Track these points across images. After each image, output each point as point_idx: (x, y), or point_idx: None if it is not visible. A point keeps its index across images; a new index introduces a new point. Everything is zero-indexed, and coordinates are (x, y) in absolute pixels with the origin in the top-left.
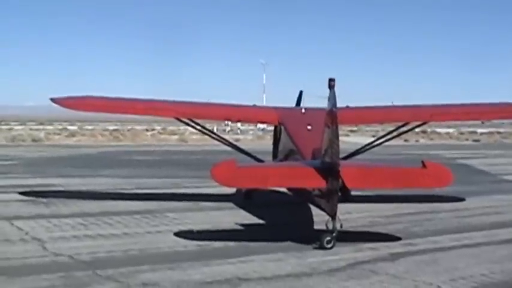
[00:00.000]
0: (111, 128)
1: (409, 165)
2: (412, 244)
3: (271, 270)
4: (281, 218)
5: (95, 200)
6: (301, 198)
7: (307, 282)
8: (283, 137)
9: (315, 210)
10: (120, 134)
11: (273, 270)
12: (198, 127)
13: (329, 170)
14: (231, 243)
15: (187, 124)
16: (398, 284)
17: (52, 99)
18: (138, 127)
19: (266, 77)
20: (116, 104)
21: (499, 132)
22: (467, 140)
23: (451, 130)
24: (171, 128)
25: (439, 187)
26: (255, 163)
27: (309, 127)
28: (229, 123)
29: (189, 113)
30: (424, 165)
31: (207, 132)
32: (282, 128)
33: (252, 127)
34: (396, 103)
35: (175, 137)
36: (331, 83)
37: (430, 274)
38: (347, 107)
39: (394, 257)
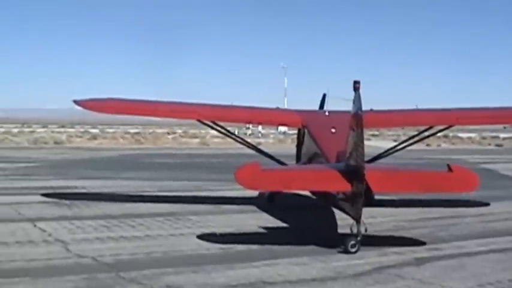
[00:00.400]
0: (132, 131)
1: (433, 169)
2: (438, 249)
3: (296, 274)
4: (304, 221)
5: (117, 202)
6: (325, 201)
7: (332, 286)
8: (307, 140)
9: (338, 214)
10: (141, 137)
11: (298, 274)
12: (222, 130)
13: (354, 173)
14: (255, 247)
15: (211, 127)
16: None
17: (75, 101)
18: (159, 130)
19: (288, 80)
20: (138, 106)
21: None
22: (489, 144)
23: (473, 135)
24: (192, 131)
25: (465, 191)
26: (278, 166)
27: (333, 130)
28: (251, 126)
29: (212, 116)
30: (450, 169)
31: (229, 134)
32: (306, 131)
33: (273, 131)
34: (420, 107)
35: (197, 140)
36: (356, 85)
37: (457, 280)
38: (371, 110)
39: (420, 261)
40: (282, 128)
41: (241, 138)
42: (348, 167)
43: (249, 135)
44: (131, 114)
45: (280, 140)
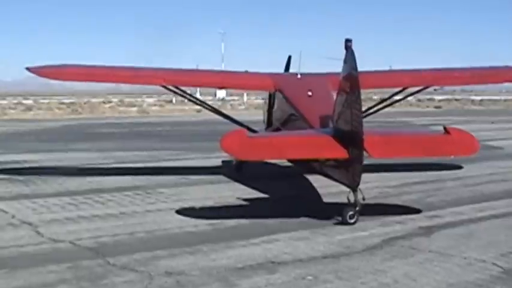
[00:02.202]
0: (67, 101)
1: (429, 132)
2: (437, 216)
3: (302, 251)
4: (283, 191)
5: (76, 177)
6: (308, 169)
7: (351, 265)
8: (281, 104)
9: (317, 181)
10: (78, 107)
11: (305, 251)
12: (190, 97)
13: (350, 138)
14: (245, 221)
15: (175, 93)
16: (449, 261)
17: (28, 69)
18: (94, 100)
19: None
20: (98, 72)
21: (456, 99)
22: (428, 107)
23: (409, 98)
24: (128, 100)
25: (465, 155)
26: (264, 133)
27: (309, 93)
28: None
29: (179, 81)
30: (447, 132)
31: (198, 102)
32: (279, 94)
33: (210, 97)
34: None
35: (135, 108)
36: (347, 44)
37: (476, 249)
38: None
39: (426, 231)
40: (219, 94)
41: (210, 106)
42: (340, 132)
43: (187, 101)
44: (89, 81)
45: (219, 107)
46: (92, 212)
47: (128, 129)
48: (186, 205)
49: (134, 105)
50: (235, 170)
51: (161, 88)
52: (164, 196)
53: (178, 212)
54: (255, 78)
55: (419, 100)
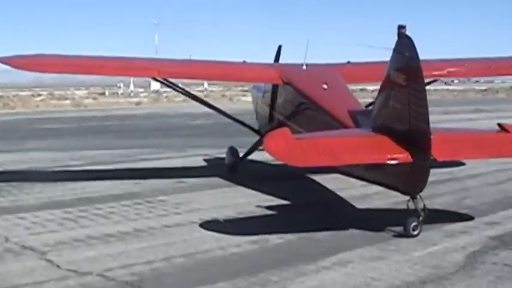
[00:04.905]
0: None
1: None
2: (496, 223)
3: (390, 274)
4: (301, 196)
5: (54, 183)
6: (351, 174)
7: None
8: (291, 98)
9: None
10: (9, 101)
11: (394, 275)
12: (183, 90)
13: (409, 139)
14: (289, 236)
15: (168, 86)
16: None
17: None
18: (22, 93)
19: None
20: (84, 63)
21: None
22: None
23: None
24: (57, 92)
25: None
26: (308, 134)
27: (324, 86)
28: (122, 85)
29: (176, 73)
30: (504, 129)
31: (194, 96)
32: (288, 88)
33: (141, 90)
34: None
35: (68, 102)
36: (401, 31)
37: None
38: (348, 62)
39: (500, 242)
40: (154, 86)
41: (207, 102)
42: (393, 131)
43: (121, 94)
44: (70, 73)
45: (155, 99)
46: (101, 230)
47: (76, 124)
48: (204, 217)
49: (66, 98)
50: (229, 171)
51: (89, 80)
52: (170, 205)
53: (203, 226)
54: (258, 70)
55: None
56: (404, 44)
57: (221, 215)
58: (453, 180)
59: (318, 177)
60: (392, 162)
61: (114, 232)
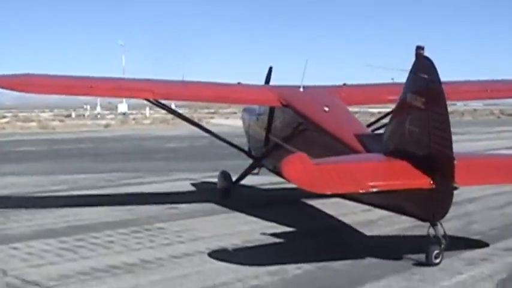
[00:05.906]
0: None
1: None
2: None
3: None
4: (302, 221)
5: (42, 209)
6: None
7: None
8: (291, 120)
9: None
10: None
11: None
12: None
13: (430, 164)
14: (306, 266)
15: (161, 107)
16: None
17: None
18: None
19: (125, 58)
20: (70, 83)
21: None
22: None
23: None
24: (22, 114)
25: None
26: (326, 158)
27: (326, 109)
28: (89, 107)
29: (171, 94)
30: None
31: (186, 118)
32: (288, 110)
33: (107, 111)
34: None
35: (34, 123)
36: (419, 51)
37: None
38: (344, 84)
39: None
40: (121, 109)
41: (195, 122)
42: (410, 156)
43: (87, 116)
44: (65, 94)
45: (123, 122)
46: (105, 262)
47: (47, 146)
48: (211, 246)
49: (32, 120)
50: (222, 196)
51: (52, 101)
52: (171, 233)
53: (213, 256)
54: (255, 92)
55: None
56: (423, 66)
57: (227, 243)
58: (454, 205)
59: (315, 202)
60: (417, 187)
61: (119, 264)
